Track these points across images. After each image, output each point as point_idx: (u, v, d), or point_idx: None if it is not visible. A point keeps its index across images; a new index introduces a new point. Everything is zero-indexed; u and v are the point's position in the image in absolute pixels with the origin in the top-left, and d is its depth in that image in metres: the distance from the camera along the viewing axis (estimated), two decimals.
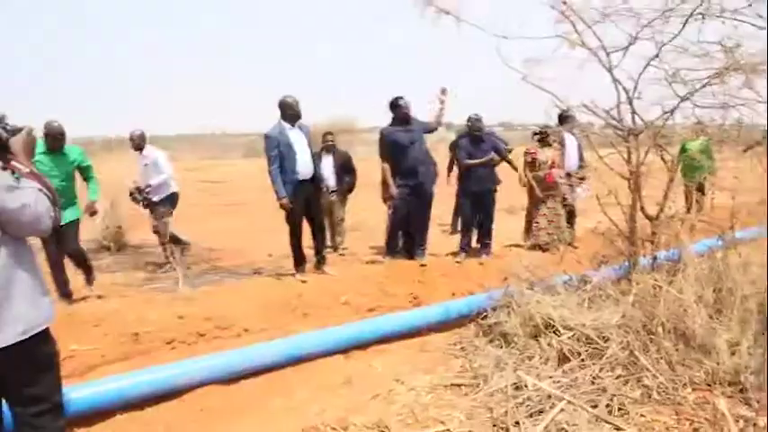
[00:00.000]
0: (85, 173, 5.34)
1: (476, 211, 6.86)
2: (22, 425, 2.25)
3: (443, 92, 6.22)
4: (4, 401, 2.32)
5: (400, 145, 6.23)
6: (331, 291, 5.47)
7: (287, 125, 5.62)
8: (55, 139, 5.03)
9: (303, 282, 5.60)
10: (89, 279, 5.48)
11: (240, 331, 4.61)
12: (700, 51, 3.89)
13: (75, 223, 5.34)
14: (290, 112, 5.61)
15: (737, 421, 2.74)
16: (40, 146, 4.82)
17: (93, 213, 5.65)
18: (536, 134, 6.96)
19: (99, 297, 4.96)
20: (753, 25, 3.63)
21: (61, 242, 5.10)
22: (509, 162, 7.17)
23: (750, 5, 3.57)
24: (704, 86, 3.89)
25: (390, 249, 6.60)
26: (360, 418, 3.06)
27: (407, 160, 6.21)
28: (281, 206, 5.66)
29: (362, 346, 4.22)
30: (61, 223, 4.85)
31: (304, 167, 5.63)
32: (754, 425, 2.73)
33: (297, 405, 3.38)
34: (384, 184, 6.74)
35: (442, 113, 6.32)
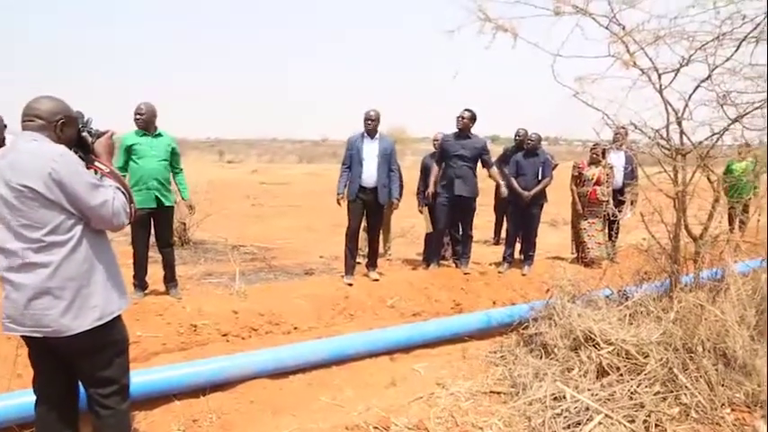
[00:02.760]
0: (175, 163, 5.24)
1: (520, 223, 6.93)
2: (93, 404, 2.44)
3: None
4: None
5: (448, 153, 6.38)
6: (377, 294, 5.67)
7: (366, 135, 5.97)
8: (148, 122, 4.98)
9: (350, 284, 5.80)
10: (172, 283, 5.31)
11: (290, 328, 4.85)
12: (752, 75, 3.90)
13: (172, 210, 5.31)
14: (366, 124, 5.97)
15: None
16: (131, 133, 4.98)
17: (192, 212, 5.83)
18: (593, 149, 6.95)
19: (179, 299, 5.09)
20: None
21: (158, 229, 5.15)
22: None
23: None
24: (755, 109, 3.90)
25: (431, 257, 6.76)
26: (401, 419, 3.20)
27: (453, 169, 6.36)
28: (337, 201, 6.06)
29: (406, 349, 4.39)
30: (166, 204, 5.04)
31: (368, 176, 5.91)
32: None
33: (342, 402, 3.56)
34: (418, 193, 7.01)
35: None
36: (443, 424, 3.18)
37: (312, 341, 4.28)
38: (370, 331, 4.48)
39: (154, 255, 5.35)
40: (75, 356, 2.37)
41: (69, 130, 2.35)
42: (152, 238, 5.23)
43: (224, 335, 4.62)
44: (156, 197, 4.96)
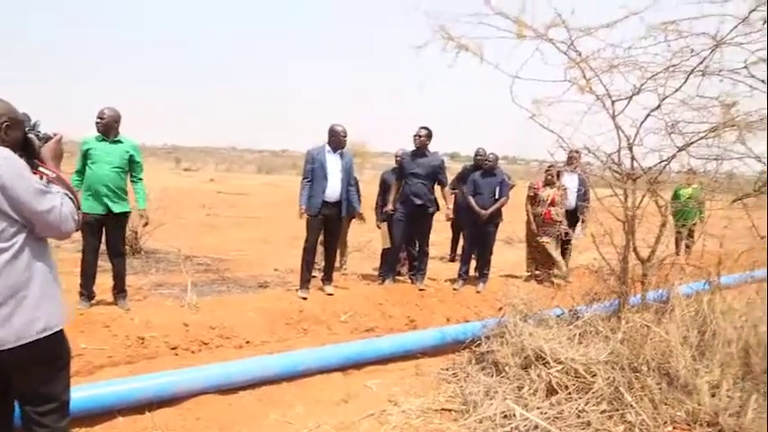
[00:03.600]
0: (135, 171, 5.09)
1: (476, 240, 7.02)
2: (29, 422, 2.28)
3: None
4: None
5: (405, 171, 6.45)
6: (332, 309, 5.63)
7: (328, 149, 5.95)
8: (108, 126, 4.85)
9: (304, 298, 5.75)
10: (121, 293, 5.11)
11: (242, 342, 4.77)
12: (698, 105, 4.07)
13: (124, 218, 5.14)
14: (332, 138, 5.94)
15: None
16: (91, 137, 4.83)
17: (146, 224, 5.66)
18: (547, 170, 7.11)
19: (127, 311, 4.92)
20: (748, 86, 3.82)
21: (108, 237, 4.99)
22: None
23: (746, 67, 3.76)
24: (700, 139, 4.07)
25: (387, 272, 6.78)
26: None
27: (409, 186, 6.42)
28: (300, 215, 5.99)
29: (359, 365, 4.36)
30: (116, 211, 4.86)
31: (331, 191, 5.89)
32: None
33: (292, 420, 3.49)
34: (376, 208, 7.03)
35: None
36: None
37: (263, 356, 4.21)
38: (322, 347, 4.44)
39: (104, 264, 5.20)
40: (13, 371, 2.22)
41: (14, 133, 2.25)
42: (103, 246, 5.07)
43: (173, 348, 4.50)
44: (106, 204, 4.82)
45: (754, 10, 3.61)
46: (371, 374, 4.28)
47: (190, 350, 4.54)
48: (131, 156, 5.00)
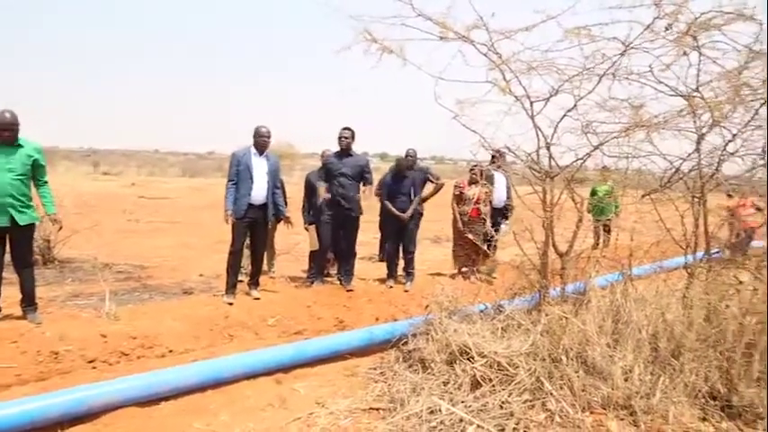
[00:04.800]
0: (39, 175, 4.81)
1: (398, 240, 7.12)
2: None
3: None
4: None
5: (331, 172, 6.44)
6: (258, 313, 5.54)
7: (254, 151, 5.85)
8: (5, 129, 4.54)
9: (230, 303, 5.61)
10: (30, 306, 4.84)
11: (165, 352, 4.60)
12: (611, 107, 4.28)
13: (31, 229, 4.84)
14: (256, 140, 5.85)
15: None
16: None
17: (60, 228, 5.31)
18: (471, 170, 7.31)
19: (38, 324, 4.62)
20: (654, 89, 4.06)
21: (14, 249, 4.71)
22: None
23: (651, 71, 3.98)
24: (613, 138, 4.28)
25: (315, 274, 6.74)
26: None
27: (336, 187, 6.42)
28: (225, 219, 5.83)
29: (287, 368, 4.29)
30: (21, 223, 4.55)
31: (257, 193, 5.80)
32: None
33: (217, 428, 3.39)
34: (303, 211, 7.06)
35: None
36: None
37: (186, 365, 4.07)
38: (248, 352, 4.34)
39: (10, 276, 4.88)
40: None
41: None
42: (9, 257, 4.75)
43: (90, 361, 4.29)
44: (10, 214, 4.52)
45: (657, 17, 3.83)
46: (300, 378, 4.22)
47: (108, 362, 4.33)
48: (35, 160, 4.72)
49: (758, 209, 7.07)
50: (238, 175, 5.79)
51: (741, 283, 4.00)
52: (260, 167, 5.82)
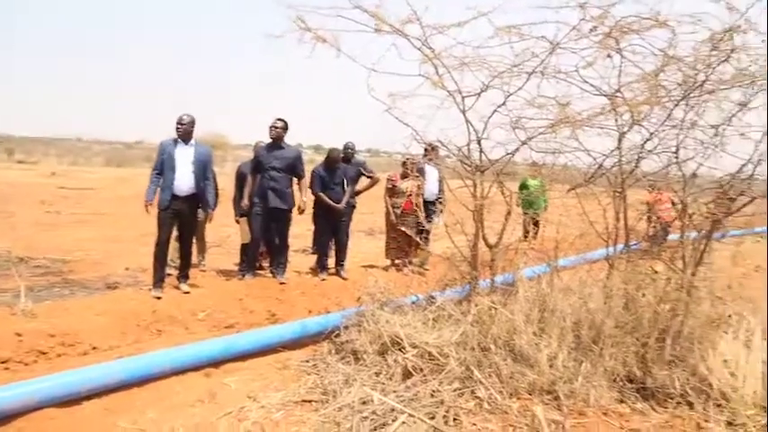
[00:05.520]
0: None
1: (331, 233, 7.14)
2: None
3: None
4: None
5: (262, 164, 6.35)
6: (188, 307, 5.40)
7: (179, 141, 5.68)
8: None
9: (158, 298, 5.44)
10: None
11: (87, 349, 4.41)
12: (539, 104, 4.42)
13: None
14: (178, 128, 5.66)
15: (550, 425, 3.16)
16: None
17: None
18: (404, 163, 7.38)
19: None
20: (579, 87, 4.23)
21: None
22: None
23: (576, 71, 4.15)
24: (540, 134, 4.43)
25: (247, 267, 6.65)
26: None
27: (267, 180, 6.34)
28: (145, 208, 5.69)
29: (217, 363, 4.21)
30: None
31: (182, 184, 5.64)
32: (563, 427, 3.17)
33: (144, 426, 3.29)
34: (234, 202, 6.95)
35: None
36: None
37: (110, 362, 3.91)
38: (176, 347, 4.21)
39: None
40: None
41: None
42: None
43: (3, 362, 4.04)
44: None
45: (582, 19, 3.99)
46: (231, 372, 4.15)
47: (24, 362, 4.10)
48: None
49: (673, 204, 7.49)
50: (163, 164, 5.64)
51: (656, 273, 4.24)
52: (184, 157, 5.66)
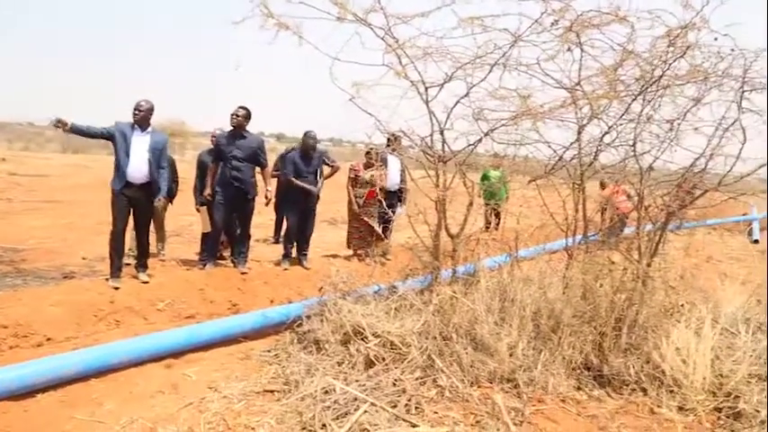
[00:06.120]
0: None
1: (300, 220, 7.09)
2: None
3: None
4: None
5: (224, 153, 6.25)
6: (147, 297, 5.30)
7: (136, 126, 5.52)
8: None
9: (116, 288, 5.32)
10: None
11: (42, 340, 4.30)
12: (501, 96, 4.47)
13: None
14: (135, 113, 5.50)
15: (510, 412, 3.23)
16: None
17: None
18: (368, 153, 7.36)
19: None
20: (540, 80, 4.29)
21: None
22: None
23: (538, 63, 4.20)
24: (502, 126, 4.48)
25: (208, 256, 6.57)
26: (169, 428, 3.04)
27: (229, 169, 6.25)
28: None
29: (178, 354, 4.15)
30: None
31: (135, 171, 5.48)
32: (523, 414, 3.25)
33: (102, 418, 3.23)
34: (195, 191, 6.86)
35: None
36: (215, 428, 3.09)
37: (65, 353, 3.81)
38: (135, 338, 4.14)
39: None
40: None
41: None
42: None
43: None
44: None
45: (544, 12, 4.04)
46: (192, 363, 4.10)
47: None
48: None
49: (629, 196, 7.69)
50: (116, 149, 5.47)
51: (614, 263, 4.36)
52: (140, 144, 5.50)
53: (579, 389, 3.63)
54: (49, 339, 4.34)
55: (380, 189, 7.07)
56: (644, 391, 3.60)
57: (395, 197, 7.47)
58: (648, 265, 4.07)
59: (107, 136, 5.48)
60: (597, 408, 3.44)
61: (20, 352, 4.08)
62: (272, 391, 3.53)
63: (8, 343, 4.17)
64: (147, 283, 5.63)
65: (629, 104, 4.21)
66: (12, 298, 4.86)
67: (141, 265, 5.80)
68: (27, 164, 21.71)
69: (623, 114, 4.27)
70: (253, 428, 3.07)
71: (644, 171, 4.21)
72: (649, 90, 4.07)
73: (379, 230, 6.79)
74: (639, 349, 3.85)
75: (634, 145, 4.26)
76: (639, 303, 3.97)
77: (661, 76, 3.99)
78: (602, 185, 7.25)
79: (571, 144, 4.56)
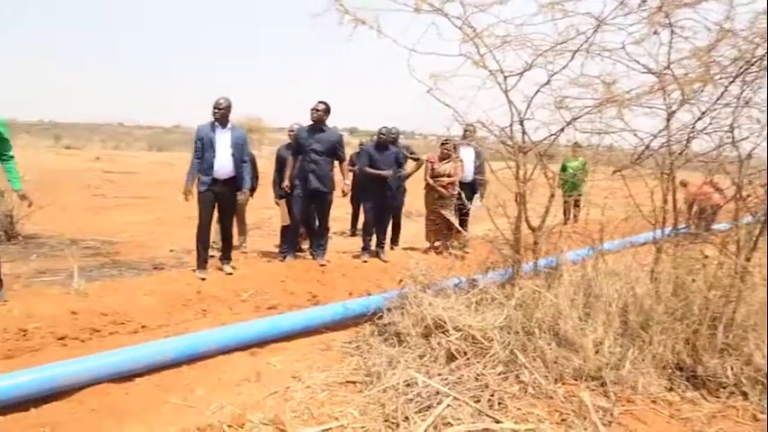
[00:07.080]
0: (4, 149, 4.69)
1: (380, 211, 7.12)
2: None
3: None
4: None
5: (303, 147, 6.37)
6: (231, 288, 5.50)
7: (217, 124, 5.74)
8: None
9: (202, 279, 5.56)
10: None
11: (137, 327, 4.55)
12: (583, 83, 4.30)
13: None
14: (215, 112, 5.72)
15: (597, 411, 3.11)
16: None
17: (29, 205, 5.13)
18: (443, 144, 7.31)
19: (5, 302, 4.51)
20: (626, 65, 4.09)
21: None
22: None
23: (623, 48, 4.01)
24: (585, 114, 4.31)
25: (287, 249, 6.72)
26: (257, 415, 3.12)
27: (308, 162, 6.36)
28: (184, 194, 5.78)
29: (262, 343, 4.28)
30: None
31: (221, 168, 5.72)
32: (611, 414, 3.12)
33: (193, 403, 3.38)
34: (274, 185, 7.00)
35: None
36: (300, 417, 3.15)
37: (160, 340, 4.03)
38: (222, 327, 4.31)
39: None
40: None
41: None
42: None
43: (60, 338, 4.19)
44: None
45: None
46: (275, 352, 4.22)
47: (79, 339, 4.25)
48: (0, 133, 4.54)
49: (718, 189, 7.25)
50: (202, 149, 5.72)
51: (707, 257, 4.11)
52: (223, 141, 5.73)
53: (671, 390, 3.44)
54: (143, 327, 4.59)
55: (457, 181, 7.02)
56: (744, 395, 3.36)
57: (470, 189, 7.39)
58: (748, 259, 3.80)
59: (200, 147, 5.74)
60: (691, 411, 3.25)
61: (118, 338, 4.34)
62: (353, 383, 3.57)
63: (108, 329, 4.44)
64: (230, 274, 5.85)
65: (726, 87, 3.94)
66: (110, 288, 5.19)
67: (225, 257, 6.03)
68: (118, 162, 23.13)
69: (719, 98, 4.01)
70: (336, 418, 3.11)
71: (743, 159, 3.94)
72: (749, 71, 3.79)
73: (456, 223, 6.73)
74: (738, 350, 3.59)
75: (731, 131, 3.98)
76: (737, 301, 3.72)
77: (763, 56, 3.70)
78: (684, 184, 6.86)
79: (659, 132, 4.33)
